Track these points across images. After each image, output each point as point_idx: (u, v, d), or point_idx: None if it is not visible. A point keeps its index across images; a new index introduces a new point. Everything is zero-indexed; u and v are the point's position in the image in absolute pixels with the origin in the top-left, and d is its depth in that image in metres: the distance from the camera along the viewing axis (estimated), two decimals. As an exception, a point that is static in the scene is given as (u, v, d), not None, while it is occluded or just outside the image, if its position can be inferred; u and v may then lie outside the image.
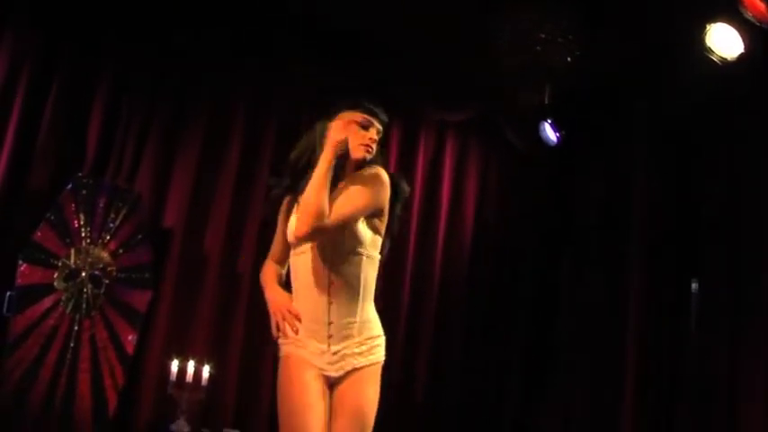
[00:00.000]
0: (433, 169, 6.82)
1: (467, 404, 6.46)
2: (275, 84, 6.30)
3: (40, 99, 5.49)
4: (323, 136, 3.11)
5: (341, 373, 2.95)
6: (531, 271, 6.85)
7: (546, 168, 6.89)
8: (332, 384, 2.97)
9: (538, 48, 4.79)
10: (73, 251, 5.20)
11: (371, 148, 3.08)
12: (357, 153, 3.05)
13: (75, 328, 5.13)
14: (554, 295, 6.76)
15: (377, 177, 3.02)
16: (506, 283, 6.79)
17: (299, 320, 2.94)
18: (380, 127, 3.14)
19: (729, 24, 4.62)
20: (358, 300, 2.99)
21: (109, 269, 5.30)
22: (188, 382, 5.41)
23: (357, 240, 2.99)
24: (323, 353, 2.95)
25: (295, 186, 3.08)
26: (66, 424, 4.99)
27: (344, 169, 3.07)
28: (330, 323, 2.95)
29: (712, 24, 4.65)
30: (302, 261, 3.00)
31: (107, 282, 5.27)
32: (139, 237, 5.45)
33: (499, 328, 6.67)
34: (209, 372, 5.53)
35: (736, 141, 5.50)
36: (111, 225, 5.34)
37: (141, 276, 5.41)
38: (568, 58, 4.84)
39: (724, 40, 4.68)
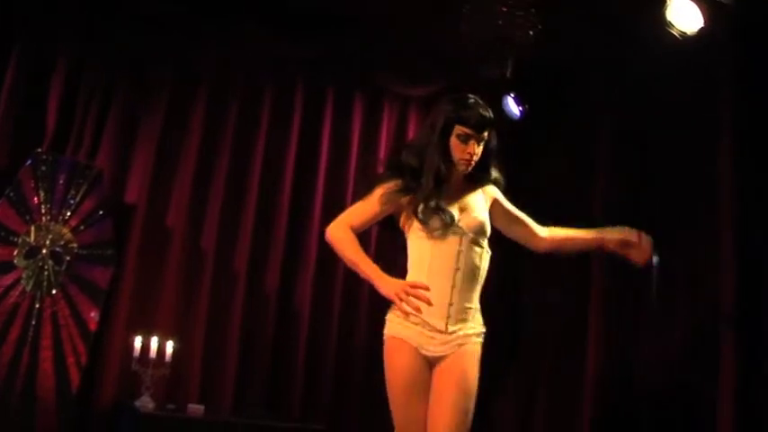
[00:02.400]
0: (396, 143, 6.82)
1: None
2: (237, 57, 6.26)
3: (-3, 74, 5.41)
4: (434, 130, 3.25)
5: (448, 351, 3.15)
6: (493, 247, 6.87)
7: (509, 142, 6.89)
8: (434, 360, 3.16)
9: (499, 22, 4.79)
10: (33, 228, 5.14)
11: (471, 162, 3.24)
12: (459, 167, 3.25)
13: (37, 305, 5.09)
14: (516, 266, 6.80)
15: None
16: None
17: (428, 290, 3.08)
18: (485, 135, 3.25)
19: (689, -2, 4.65)
20: (477, 288, 3.26)
21: (70, 246, 5.25)
22: (152, 359, 5.41)
23: (484, 232, 3.29)
24: (438, 332, 3.15)
25: (415, 189, 3.23)
26: (28, 402, 4.96)
27: (452, 174, 3.27)
28: (451, 305, 3.16)
29: (672, -1, 4.67)
30: (437, 244, 3.18)
31: (68, 258, 5.23)
32: (101, 213, 5.40)
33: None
34: (173, 347, 5.53)
35: (696, 115, 5.55)
36: (72, 201, 5.28)
37: (103, 253, 5.37)
38: (530, 32, 4.84)
39: (684, 15, 4.70)
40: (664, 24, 4.66)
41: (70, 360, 5.13)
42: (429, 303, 3.04)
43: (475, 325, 3.24)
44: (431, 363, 3.16)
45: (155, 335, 5.49)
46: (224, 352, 5.94)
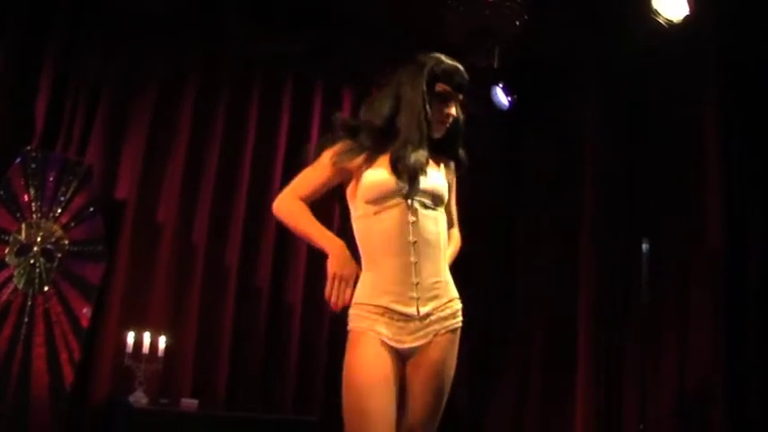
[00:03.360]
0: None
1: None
2: (225, 53, 6.26)
3: (-16, 73, 5.41)
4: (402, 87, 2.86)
5: (423, 341, 2.74)
6: (484, 236, 6.90)
7: (498, 132, 6.93)
8: (407, 354, 2.75)
9: (486, 12, 4.80)
10: (24, 226, 5.14)
11: (447, 124, 2.90)
12: (436, 132, 2.87)
13: (29, 303, 5.08)
14: (508, 259, 6.84)
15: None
16: (460, 252, 6.83)
17: (351, 290, 2.75)
18: (461, 97, 2.93)
19: (675, -14, 4.69)
20: (441, 257, 2.84)
21: (61, 243, 5.25)
22: (144, 354, 5.42)
23: (442, 198, 2.88)
24: (409, 320, 2.72)
25: (378, 149, 2.82)
26: (22, 399, 4.96)
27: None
28: (417, 284, 2.74)
29: (658, -13, 4.71)
30: (382, 220, 2.77)
31: (60, 255, 5.23)
32: (91, 209, 5.40)
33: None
34: (166, 342, 5.54)
35: (682, 102, 5.58)
36: (62, 198, 5.28)
37: (94, 249, 5.37)
38: (517, 23, 4.86)
39: (670, 3, 4.74)
40: (650, 12, 4.68)
41: (63, 356, 5.14)
42: (346, 303, 2.72)
43: (449, 302, 2.82)
44: (402, 356, 2.74)
45: (147, 330, 5.50)
46: (216, 346, 5.95)
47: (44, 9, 5.64)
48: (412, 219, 2.76)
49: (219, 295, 6.03)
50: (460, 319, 2.86)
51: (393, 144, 2.78)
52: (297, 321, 6.19)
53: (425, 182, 2.79)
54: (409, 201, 2.77)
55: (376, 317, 2.72)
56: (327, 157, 2.86)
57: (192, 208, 6.04)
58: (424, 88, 2.82)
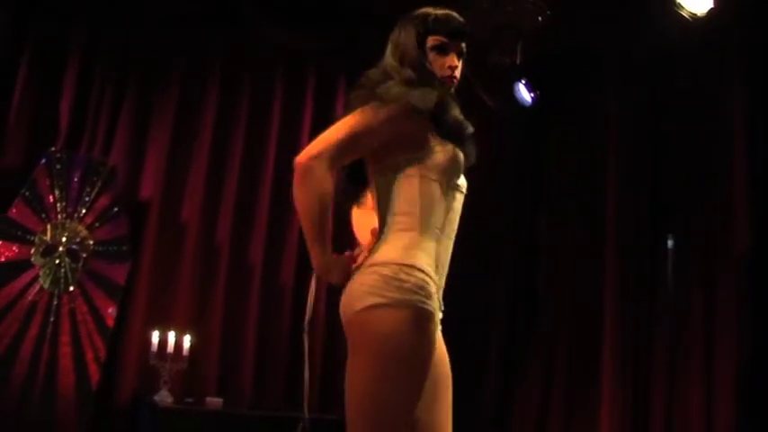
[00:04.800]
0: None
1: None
2: (247, 52, 6.27)
3: (10, 74, 5.44)
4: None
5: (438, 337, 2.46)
6: (508, 233, 6.88)
7: (522, 128, 6.90)
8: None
9: (509, 8, 4.79)
10: (49, 226, 5.18)
11: (454, 78, 2.54)
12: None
13: (55, 302, 5.12)
14: (532, 258, 6.81)
15: None
16: (483, 246, 6.81)
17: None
18: (463, 46, 2.57)
19: (698, -20, 4.65)
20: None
21: (86, 243, 5.29)
22: (169, 353, 5.44)
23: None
24: (439, 309, 2.39)
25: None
26: (49, 398, 5.01)
27: None
28: (443, 275, 2.46)
29: (682, -20, 4.67)
30: (451, 199, 2.45)
31: (85, 255, 5.27)
32: (116, 209, 5.43)
33: (479, 292, 6.69)
34: (191, 342, 5.55)
35: (707, 98, 5.53)
36: (87, 198, 5.32)
37: (119, 249, 5.40)
38: (539, 18, 4.83)
39: (694, -4, 4.70)
40: (674, 6, 4.64)
41: (89, 356, 5.17)
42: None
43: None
44: None
45: (172, 329, 5.51)
46: (241, 345, 5.97)
47: (67, 10, 5.68)
48: (459, 209, 2.50)
49: (244, 294, 6.04)
50: None
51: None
52: (321, 319, 6.18)
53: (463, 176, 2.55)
54: (461, 194, 2.51)
55: (435, 298, 2.33)
56: (394, 110, 2.37)
57: (215, 206, 6.06)
58: (416, 42, 2.51)
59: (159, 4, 5.84)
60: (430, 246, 2.37)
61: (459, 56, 2.57)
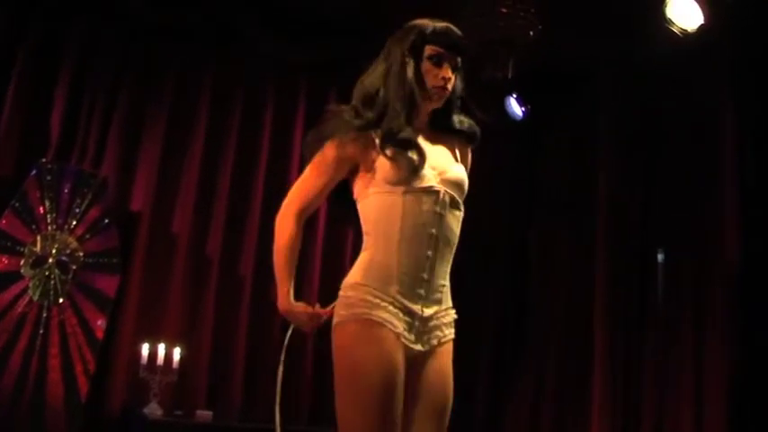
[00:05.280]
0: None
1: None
2: (239, 65, 6.27)
3: (1, 85, 5.42)
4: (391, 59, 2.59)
5: (427, 348, 2.47)
6: (498, 250, 6.88)
7: (512, 143, 6.92)
8: (412, 359, 2.44)
9: (501, 23, 4.80)
10: (39, 238, 5.17)
11: (446, 90, 2.57)
12: (432, 97, 2.57)
13: (44, 314, 5.11)
14: (523, 271, 6.81)
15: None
16: (475, 260, 6.81)
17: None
18: (458, 60, 2.61)
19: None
20: (450, 260, 2.56)
21: (76, 255, 5.28)
22: (159, 366, 5.42)
23: (464, 192, 2.61)
24: (413, 318, 2.44)
25: (379, 123, 2.52)
26: (37, 411, 4.99)
27: (419, 111, 2.57)
28: (426, 280, 2.47)
29: (672, -4, 4.70)
30: (409, 202, 2.47)
31: (75, 267, 5.26)
32: (106, 221, 5.43)
33: (469, 306, 6.68)
34: (181, 354, 5.54)
35: (698, 113, 5.56)
36: (77, 210, 5.31)
37: (109, 261, 5.39)
38: (531, 33, 4.85)
39: (684, 12, 4.72)
40: (664, 22, 4.67)
41: (78, 368, 5.16)
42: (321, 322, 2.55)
43: (448, 309, 2.56)
44: (409, 360, 2.43)
45: (162, 342, 5.50)
46: (231, 357, 5.95)
47: (59, 21, 5.67)
48: (439, 210, 2.49)
49: (234, 307, 6.03)
50: (453, 330, 2.58)
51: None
52: (310, 342, 6.17)
53: (454, 173, 2.57)
54: (441, 190, 2.51)
55: (386, 305, 2.41)
56: (329, 151, 2.55)
57: (206, 219, 6.04)
58: (407, 51, 2.55)
59: (151, 17, 5.83)
60: (386, 258, 2.46)
61: (454, 69, 2.59)
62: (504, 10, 4.79)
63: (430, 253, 2.48)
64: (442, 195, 2.51)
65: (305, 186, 2.64)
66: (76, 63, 5.70)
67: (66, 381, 5.11)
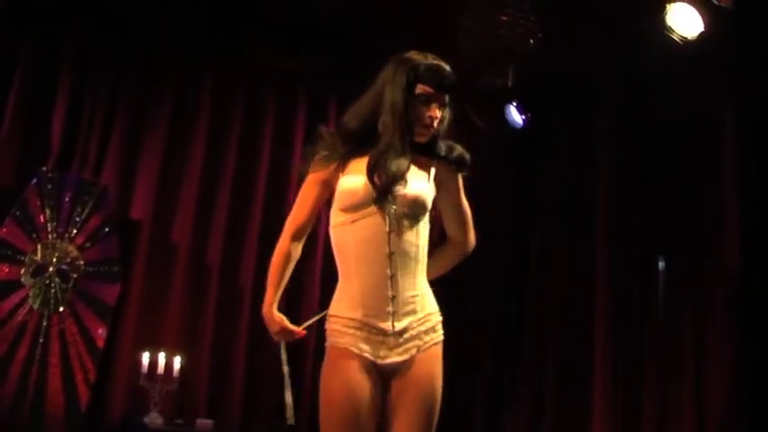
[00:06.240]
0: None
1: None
2: (239, 72, 6.28)
3: (2, 93, 5.43)
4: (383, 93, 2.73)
5: (405, 357, 2.61)
6: (499, 255, 6.87)
7: (512, 151, 6.92)
8: (390, 373, 2.63)
9: (501, 31, 4.80)
10: (39, 246, 5.16)
11: (432, 128, 2.72)
12: (419, 137, 2.72)
13: (44, 323, 5.10)
14: (522, 278, 6.81)
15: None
16: (473, 268, 6.79)
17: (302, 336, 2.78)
18: (446, 96, 2.75)
19: (689, 3, 4.67)
20: (419, 270, 2.70)
21: (77, 263, 5.26)
22: (159, 374, 5.42)
23: (424, 208, 2.72)
24: (385, 335, 2.60)
25: (355, 152, 2.72)
26: (38, 420, 4.97)
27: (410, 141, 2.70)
28: (393, 297, 2.61)
29: (672, 4, 4.69)
30: (358, 229, 2.65)
31: (75, 276, 5.24)
32: (107, 230, 5.41)
33: (470, 310, 6.68)
34: (181, 363, 5.53)
35: (698, 119, 5.56)
36: (78, 219, 5.30)
37: (110, 270, 5.38)
38: (531, 41, 4.85)
39: (684, 20, 4.72)
40: (664, 29, 4.67)
41: (79, 377, 5.14)
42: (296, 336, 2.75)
43: (427, 316, 2.68)
44: (384, 374, 2.62)
45: (162, 350, 5.50)
46: (232, 366, 5.95)
47: (59, 28, 5.67)
48: (389, 229, 2.63)
49: (234, 315, 6.02)
50: (442, 332, 2.72)
51: (373, 148, 2.65)
52: (312, 340, 6.15)
53: (406, 189, 2.64)
54: (387, 210, 2.63)
55: (354, 331, 2.62)
56: (311, 176, 2.79)
57: (206, 227, 6.05)
58: (405, 88, 2.68)
59: (151, 23, 5.84)
60: (348, 287, 2.68)
61: (442, 106, 2.74)
62: (504, 18, 4.80)
63: (389, 271, 2.62)
64: (391, 214, 2.63)
65: (296, 209, 2.83)
66: (77, 70, 5.70)
67: (67, 390, 5.09)
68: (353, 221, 2.66)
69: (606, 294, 5.85)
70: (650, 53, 5.18)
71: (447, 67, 2.74)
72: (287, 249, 2.79)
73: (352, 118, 2.77)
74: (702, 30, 4.69)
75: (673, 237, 5.69)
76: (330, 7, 5.91)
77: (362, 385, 2.58)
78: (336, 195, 2.73)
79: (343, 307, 2.67)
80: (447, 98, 2.75)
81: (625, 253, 5.87)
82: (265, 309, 2.79)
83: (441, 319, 2.74)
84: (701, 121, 5.50)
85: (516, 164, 7.00)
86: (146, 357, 5.44)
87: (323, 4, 5.90)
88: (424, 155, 2.76)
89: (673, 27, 4.69)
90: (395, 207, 2.63)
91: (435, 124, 2.73)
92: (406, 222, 2.66)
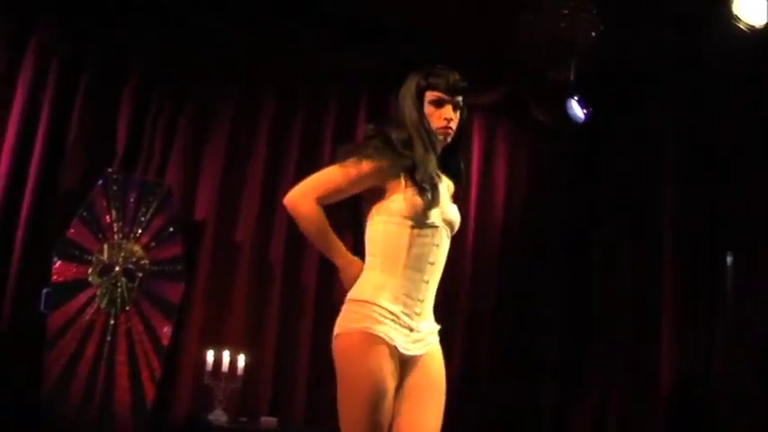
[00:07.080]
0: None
1: (500, 394, 6.37)
2: (301, 73, 6.30)
3: (68, 97, 5.53)
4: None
5: (423, 351, 2.86)
6: (562, 251, 6.80)
7: (575, 146, 6.84)
8: (409, 364, 2.83)
9: (562, 24, 4.74)
10: (106, 246, 5.24)
11: (450, 129, 2.93)
12: (440, 141, 2.94)
13: (111, 322, 5.17)
14: (587, 276, 6.72)
15: None
16: (538, 264, 6.73)
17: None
18: (459, 99, 2.94)
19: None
20: (438, 280, 2.95)
21: (142, 263, 5.33)
22: (224, 372, 5.46)
23: (455, 231, 3.01)
24: (411, 330, 2.81)
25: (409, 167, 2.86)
26: (105, 416, 5.05)
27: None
28: (422, 300, 2.87)
29: (739, -8, 4.60)
30: (417, 236, 2.85)
31: (140, 275, 5.31)
32: (171, 230, 5.47)
33: (532, 311, 6.61)
34: (245, 361, 5.57)
35: (766, 111, 5.44)
36: (143, 219, 5.37)
37: (174, 269, 5.44)
38: (593, 34, 4.78)
39: (751, 8, 4.62)
40: (731, 19, 4.57)
41: (145, 375, 5.21)
42: None
43: (433, 321, 2.95)
44: (404, 365, 2.81)
45: (226, 348, 5.54)
46: (295, 364, 5.97)
47: (124, 35, 5.75)
48: (438, 243, 2.89)
49: (298, 313, 6.05)
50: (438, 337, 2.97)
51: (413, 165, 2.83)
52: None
53: (451, 213, 2.94)
54: (441, 228, 2.89)
55: (388, 321, 2.77)
56: (368, 167, 2.84)
57: (269, 226, 6.08)
58: (416, 98, 2.90)
59: (216, 29, 5.88)
60: (391, 281, 2.82)
61: (456, 108, 2.94)
62: (566, 11, 4.74)
63: (426, 278, 2.87)
64: (440, 231, 2.89)
65: (329, 180, 2.89)
66: (141, 74, 5.78)
67: (134, 387, 5.16)
68: (413, 227, 2.84)
69: (674, 292, 5.75)
70: (717, 43, 5.07)
71: (455, 72, 2.94)
72: (318, 212, 2.86)
73: (393, 131, 2.90)
74: (770, 18, 4.58)
75: (742, 233, 5.57)
76: (393, 7, 5.89)
77: (393, 374, 2.75)
78: (404, 205, 2.83)
79: (385, 298, 2.79)
80: (460, 100, 2.94)
81: (692, 249, 5.76)
82: (344, 258, 2.92)
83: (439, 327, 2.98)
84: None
85: (578, 159, 6.90)
86: (210, 355, 5.49)
87: (386, 3, 5.88)
88: (443, 170, 2.99)
89: (740, 16, 4.59)
90: (446, 228, 2.92)
91: (453, 125, 2.93)
92: (446, 239, 2.93)
